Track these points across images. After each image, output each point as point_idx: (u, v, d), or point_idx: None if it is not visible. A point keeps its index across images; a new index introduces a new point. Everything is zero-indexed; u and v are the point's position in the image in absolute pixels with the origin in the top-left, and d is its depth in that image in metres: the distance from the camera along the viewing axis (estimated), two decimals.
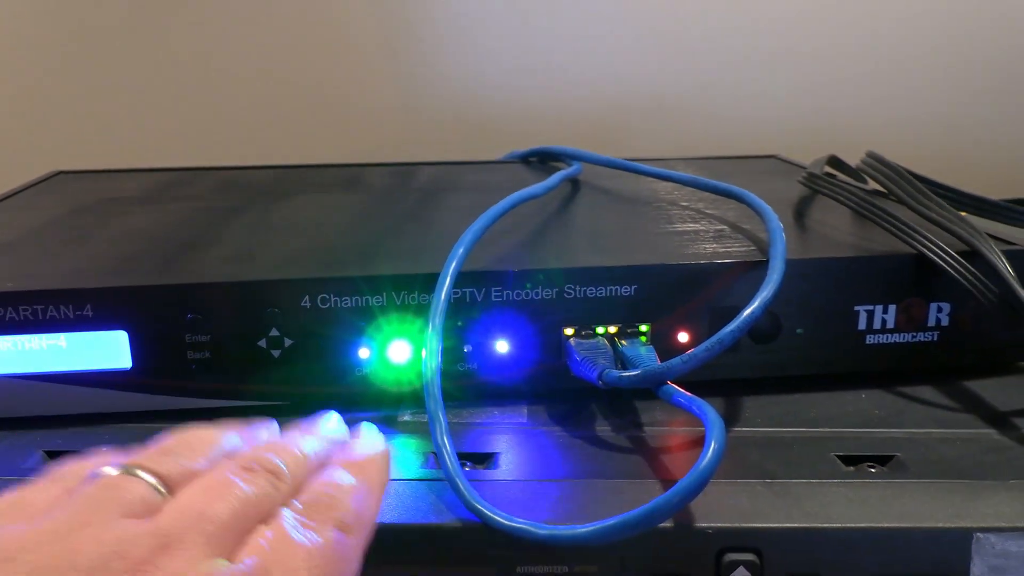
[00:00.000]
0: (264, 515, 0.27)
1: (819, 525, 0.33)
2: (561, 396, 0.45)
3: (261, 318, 0.42)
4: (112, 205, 0.59)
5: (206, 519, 0.25)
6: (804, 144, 0.84)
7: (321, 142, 0.92)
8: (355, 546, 0.28)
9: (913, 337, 0.46)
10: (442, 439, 0.36)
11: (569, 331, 0.44)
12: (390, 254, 0.47)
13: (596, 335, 0.44)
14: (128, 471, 0.26)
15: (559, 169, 0.70)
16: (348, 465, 0.32)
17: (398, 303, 0.42)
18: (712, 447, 0.32)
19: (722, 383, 0.45)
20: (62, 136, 0.92)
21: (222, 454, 0.30)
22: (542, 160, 0.74)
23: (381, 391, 0.43)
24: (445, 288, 0.41)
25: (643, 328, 0.44)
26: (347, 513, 0.28)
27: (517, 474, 0.38)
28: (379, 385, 0.44)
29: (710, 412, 0.35)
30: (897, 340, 0.46)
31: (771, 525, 0.34)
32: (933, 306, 0.45)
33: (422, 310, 0.43)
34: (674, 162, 0.72)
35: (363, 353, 0.43)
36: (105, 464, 0.27)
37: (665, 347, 0.44)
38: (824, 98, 0.92)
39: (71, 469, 0.28)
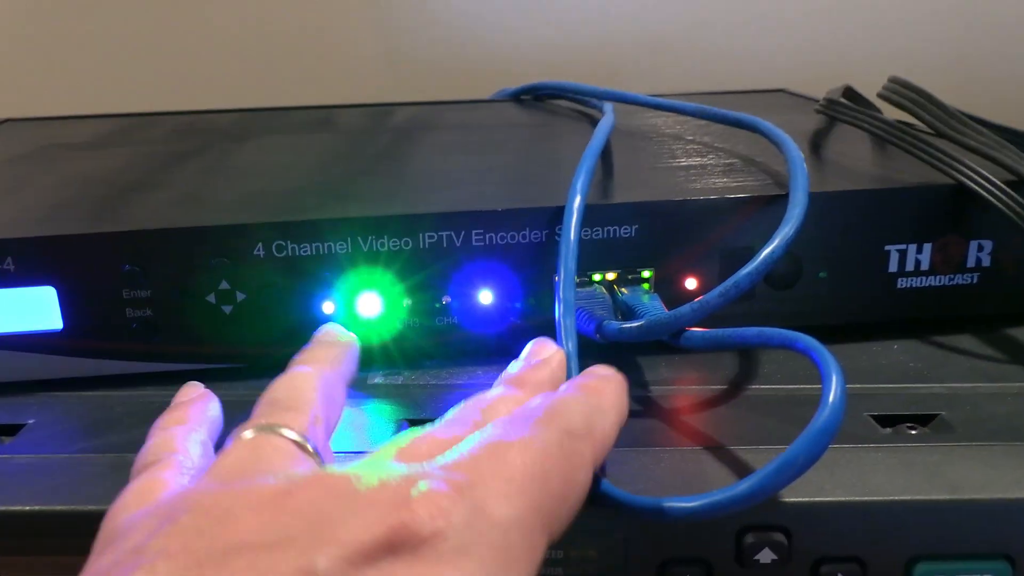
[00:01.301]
0: None
1: (856, 498, 0.29)
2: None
3: (209, 269, 0.37)
4: (56, 151, 0.53)
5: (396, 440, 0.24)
6: (808, 82, 0.78)
7: (295, 86, 0.86)
8: (583, 454, 0.24)
9: (950, 280, 0.41)
10: None
11: None
12: (358, 196, 0.41)
13: (592, 282, 0.38)
14: (269, 430, 0.25)
15: (554, 107, 0.65)
16: (578, 387, 0.27)
17: (366, 250, 0.37)
18: (835, 382, 0.27)
19: None
20: (15, 84, 0.86)
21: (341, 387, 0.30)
22: (537, 98, 0.68)
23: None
24: (573, 227, 0.36)
25: (645, 274, 0.39)
26: (572, 420, 0.24)
27: None
28: None
29: (808, 340, 0.29)
30: (932, 283, 0.41)
31: (799, 499, 0.29)
32: (973, 244, 0.40)
33: (393, 258, 0.37)
34: (673, 99, 0.66)
35: (327, 308, 0.38)
36: (237, 430, 0.26)
37: (670, 295, 0.39)
38: (828, 31, 0.86)
39: (162, 451, 0.27)
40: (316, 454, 0.26)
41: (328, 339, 0.34)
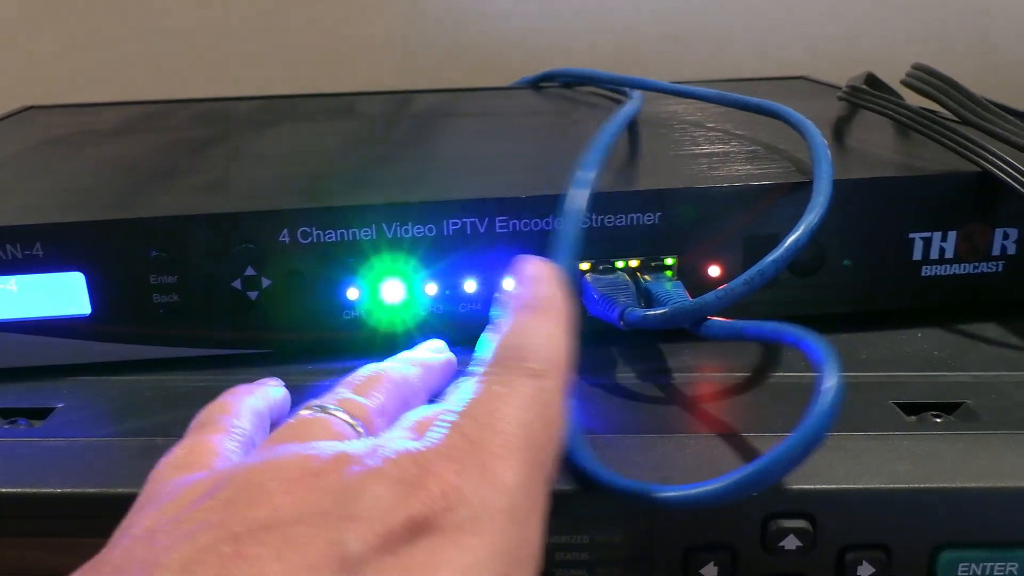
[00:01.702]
0: None
1: (881, 486, 0.29)
2: (576, 339, 0.40)
3: (235, 255, 0.37)
4: (81, 138, 0.54)
5: (407, 418, 0.25)
6: (829, 69, 0.78)
7: (317, 73, 0.86)
8: (554, 390, 0.25)
9: (975, 268, 0.40)
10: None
11: (585, 266, 0.38)
12: (382, 183, 0.41)
13: (616, 270, 0.38)
14: (323, 410, 0.26)
15: (575, 94, 0.64)
16: (521, 310, 0.27)
17: (390, 236, 0.37)
18: (832, 375, 0.27)
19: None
20: (40, 71, 0.86)
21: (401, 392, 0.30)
22: (557, 85, 0.68)
23: (373, 336, 0.39)
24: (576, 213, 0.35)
25: (669, 261, 0.39)
26: (534, 357, 0.25)
27: None
28: (371, 330, 0.39)
29: (806, 335, 0.29)
30: (957, 271, 0.40)
31: (824, 486, 0.29)
32: (998, 232, 0.40)
33: (417, 244, 0.37)
34: (694, 86, 0.66)
35: (352, 294, 0.38)
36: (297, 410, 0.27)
37: (694, 282, 0.38)
38: (851, 18, 0.85)
39: (215, 417, 0.28)
40: (367, 438, 0.26)
41: (432, 346, 0.35)
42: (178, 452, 0.26)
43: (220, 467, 0.24)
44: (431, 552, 0.19)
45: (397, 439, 0.22)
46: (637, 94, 0.54)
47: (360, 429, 0.26)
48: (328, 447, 0.22)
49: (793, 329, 0.30)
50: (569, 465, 0.29)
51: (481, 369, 0.25)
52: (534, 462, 0.23)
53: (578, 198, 0.35)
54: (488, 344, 0.26)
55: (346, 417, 0.26)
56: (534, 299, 0.28)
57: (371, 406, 0.28)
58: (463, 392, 0.24)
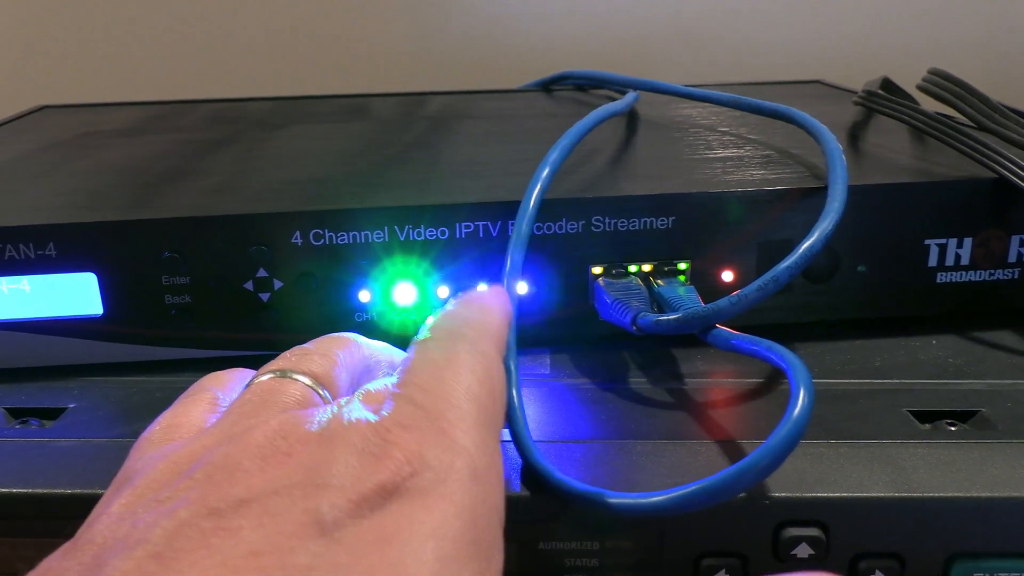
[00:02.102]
0: None
1: (895, 494, 0.28)
2: (588, 344, 0.40)
3: (247, 257, 0.37)
4: (92, 138, 0.54)
5: (362, 392, 0.25)
6: (845, 73, 0.77)
7: (328, 74, 0.87)
8: (488, 352, 0.27)
9: (991, 275, 0.40)
10: (513, 393, 0.31)
11: (597, 270, 0.38)
12: (394, 185, 0.41)
13: (628, 274, 0.38)
14: (283, 375, 0.27)
15: (586, 96, 0.64)
16: (460, 299, 0.30)
17: (402, 239, 0.37)
18: (802, 396, 0.27)
19: (772, 329, 0.39)
20: (52, 71, 0.87)
21: (361, 348, 0.31)
22: (579, 88, 0.68)
23: (384, 339, 0.38)
24: (528, 216, 0.36)
25: (682, 266, 0.38)
26: (465, 327, 0.27)
27: (538, 434, 0.32)
28: (382, 332, 0.38)
29: (787, 355, 0.29)
30: (972, 278, 0.40)
31: (837, 494, 0.28)
32: (1015, 239, 0.40)
33: (429, 247, 0.37)
34: (707, 89, 0.66)
35: (363, 296, 0.38)
36: (257, 373, 0.27)
37: (707, 287, 0.38)
38: (866, 21, 0.85)
39: (204, 386, 0.29)
40: (327, 398, 0.27)
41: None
42: (157, 426, 0.26)
43: (194, 440, 0.24)
44: (402, 515, 0.20)
45: (356, 411, 0.23)
46: (630, 96, 0.53)
47: (323, 392, 0.27)
48: (294, 422, 0.23)
49: (780, 350, 0.30)
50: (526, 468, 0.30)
51: (422, 338, 0.27)
52: (485, 422, 0.24)
53: (533, 196, 0.36)
54: (430, 320, 0.28)
55: (308, 382, 0.27)
56: (474, 294, 0.30)
57: (333, 370, 0.28)
58: (410, 363, 0.25)
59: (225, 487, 0.21)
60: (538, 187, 0.37)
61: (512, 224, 0.37)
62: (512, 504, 0.27)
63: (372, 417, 0.23)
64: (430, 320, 0.28)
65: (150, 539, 0.19)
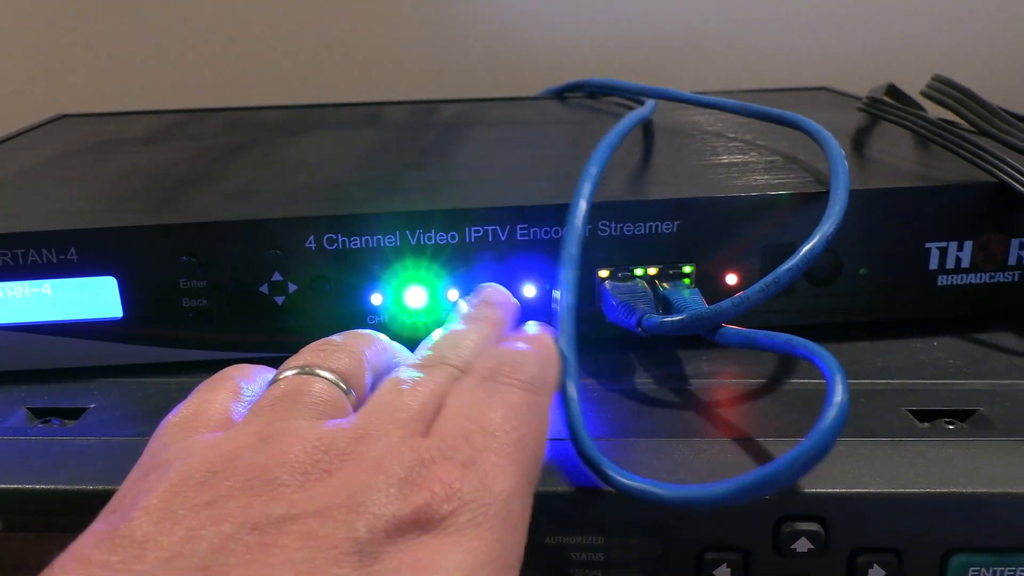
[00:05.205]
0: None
1: (893, 490, 0.29)
2: (595, 345, 0.40)
3: (262, 261, 0.38)
4: (112, 146, 0.55)
5: (397, 408, 0.25)
6: (850, 80, 0.78)
7: (343, 83, 0.88)
8: (543, 405, 0.27)
9: (991, 277, 0.41)
10: (571, 387, 0.31)
11: (604, 273, 0.39)
12: (407, 191, 0.42)
13: (634, 277, 0.39)
14: (307, 371, 0.27)
15: (599, 104, 0.65)
16: (520, 339, 0.30)
17: (414, 243, 0.38)
18: (838, 381, 0.27)
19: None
20: (71, 80, 0.88)
21: (386, 348, 0.31)
22: (592, 96, 0.69)
23: (396, 341, 0.39)
24: (581, 214, 0.37)
25: (687, 269, 0.39)
26: (530, 375, 0.28)
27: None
28: (394, 335, 0.39)
29: (811, 345, 0.30)
30: (973, 281, 0.41)
31: (837, 490, 0.29)
32: (1015, 242, 0.40)
33: (440, 251, 0.38)
34: (715, 96, 0.66)
35: (375, 299, 0.39)
36: (283, 366, 0.28)
37: (711, 290, 0.39)
38: (871, 29, 0.85)
39: (229, 375, 0.29)
40: (352, 396, 0.27)
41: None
42: (183, 411, 0.26)
43: (224, 433, 0.24)
44: (437, 549, 0.21)
45: (403, 435, 0.24)
46: (650, 102, 0.54)
47: (348, 390, 0.27)
48: (333, 437, 0.23)
49: (804, 342, 0.31)
50: (585, 464, 0.30)
51: (480, 376, 0.27)
52: (526, 472, 0.24)
53: (581, 205, 0.37)
54: (483, 354, 0.28)
55: (334, 379, 0.27)
56: (542, 335, 0.31)
57: (359, 368, 0.28)
58: (464, 393, 0.26)
59: (266, 500, 0.21)
60: (582, 204, 0.37)
61: (521, 228, 0.38)
62: (564, 499, 0.28)
63: (419, 445, 0.23)
64: (488, 350, 0.28)
65: (196, 552, 0.20)
